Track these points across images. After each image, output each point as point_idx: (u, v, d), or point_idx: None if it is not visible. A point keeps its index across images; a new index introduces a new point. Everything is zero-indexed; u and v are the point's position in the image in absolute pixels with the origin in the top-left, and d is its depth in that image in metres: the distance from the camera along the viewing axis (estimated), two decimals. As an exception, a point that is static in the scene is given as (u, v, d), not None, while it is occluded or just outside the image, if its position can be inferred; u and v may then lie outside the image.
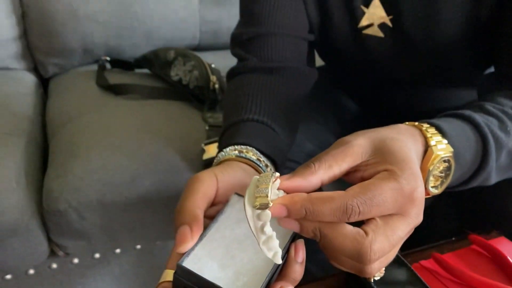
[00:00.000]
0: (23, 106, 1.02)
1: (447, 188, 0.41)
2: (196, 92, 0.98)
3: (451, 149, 0.39)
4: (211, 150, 0.81)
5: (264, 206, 0.33)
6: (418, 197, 0.33)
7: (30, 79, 1.15)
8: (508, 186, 0.51)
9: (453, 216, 0.68)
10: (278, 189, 0.34)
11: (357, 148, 0.35)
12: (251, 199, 0.34)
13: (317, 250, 0.38)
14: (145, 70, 1.13)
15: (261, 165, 0.48)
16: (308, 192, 0.33)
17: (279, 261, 0.33)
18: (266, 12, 0.67)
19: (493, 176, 0.44)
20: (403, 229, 0.33)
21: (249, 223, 0.33)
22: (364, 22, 0.65)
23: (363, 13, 0.64)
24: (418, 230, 0.36)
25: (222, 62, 1.08)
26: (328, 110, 0.78)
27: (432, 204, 0.69)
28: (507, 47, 0.55)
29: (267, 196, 0.33)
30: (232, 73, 0.68)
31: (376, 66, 0.69)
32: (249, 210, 0.33)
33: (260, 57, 0.66)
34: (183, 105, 0.98)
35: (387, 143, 0.35)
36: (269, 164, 0.49)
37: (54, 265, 0.83)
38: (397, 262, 0.44)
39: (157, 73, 1.08)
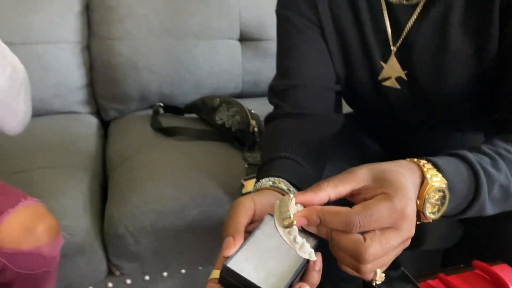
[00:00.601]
0: (87, 145, 1.17)
1: (445, 215, 0.49)
2: (237, 135, 1.10)
3: (445, 181, 0.48)
4: (249, 185, 0.91)
5: (290, 225, 0.44)
6: (409, 214, 0.42)
7: (93, 121, 1.32)
8: (509, 216, 0.59)
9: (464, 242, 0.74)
10: (296, 203, 0.44)
11: (359, 175, 0.45)
12: (279, 221, 0.45)
13: (330, 270, 0.47)
14: (193, 115, 1.27)
15: (290, 193, 0.59)
16: (318, 205, 0.44)
17: (314, 258, 0.44)
18: (297, 67, 0.78)
19: (487, 207, 0.52)
20: (395, 239, 0.42)
21: (284, 239, 0.44)
22: (383, 75, 0.75)
23: (382, 67, 0.75)
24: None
25: (261, 107, 1.20)
26: (354, 151, 0.87)
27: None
28: (505, 95, 0.63)
29: (290, 217, 0.44)
30: (269, 119, 0.80)
31: (395, 113, 0.79)
32: (280, 229, 0.45)
33: (293, 105, 0.78)
34: (225, 146, 1.10)
35: (385, 173, 0.45)
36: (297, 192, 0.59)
37: (110, 284, 0.94)
38: (405, 279, 0.52)
39: (204, 118, 1.21)
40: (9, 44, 1.20)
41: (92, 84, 1.32)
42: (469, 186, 0.50)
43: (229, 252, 0.45)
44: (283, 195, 0.58)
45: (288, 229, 0.44)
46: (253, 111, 1.14)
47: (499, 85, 0.66)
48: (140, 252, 0.86)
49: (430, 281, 0.54)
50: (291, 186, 0.60)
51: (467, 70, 0.68)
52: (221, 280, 0.45)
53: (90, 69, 1.30)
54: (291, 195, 0.45)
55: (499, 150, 0.55)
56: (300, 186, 0.61)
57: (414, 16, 0.70)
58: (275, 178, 0.60)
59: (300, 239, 0.44)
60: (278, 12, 0.82)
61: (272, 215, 0.50)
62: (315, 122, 0.76)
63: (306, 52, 0.78)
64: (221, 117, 1.15)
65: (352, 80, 0.79)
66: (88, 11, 1.28)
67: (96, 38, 1.27)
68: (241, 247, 0.46)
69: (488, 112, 0.71)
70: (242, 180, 0.92)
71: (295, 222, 0.44)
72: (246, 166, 0.98)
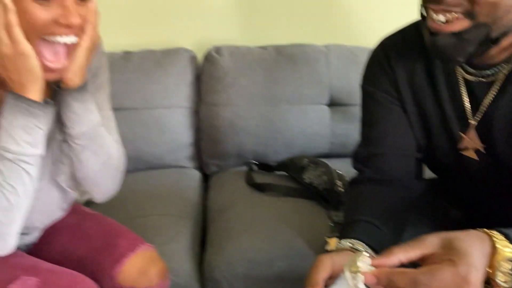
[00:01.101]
0: (191, 196, 1.34)
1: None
2: (324, 194, 1.19)
3: None
4: (333, 243, 0.98)
5: (356, 271, 0.53)
6: (471, 281, 0.48)
7: (197, 175, 1.50)
8: None
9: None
10: (371, 265, 0.52)
11: (430, 242, 0.52)
12: (348, 267, 0.54)
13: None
14: (283, 173, 1.40)
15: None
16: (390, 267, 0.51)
17: None
18: (380, 137, 0.87)
19: None
20: None
21: (349, 283, 0.53)
22: (461, 145, 0.81)
23: (461, 137, 0.80)
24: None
25: (348, 168, 1.28)
26: (435, 215, 0.91)
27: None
28: None
29: (357, 265, 0.53)
30: (352, 183, 0.89)
31: (474, 180, 0.83)
32: (347, 274, 0.54)
33: (375, 171, 0.86)
34: (312, 204, 1.19)
35: (454, 241, 0.51)
36: (374, 255, 0.67)
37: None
38: None
39: (293, 176, 1.33)
40: (133, 108, 1.46)
41: (198, 143, 1.51)
42: None
43: None
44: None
45: (353, 276, 0.52)
46: (339, 172, 1.23)
47: None
48: (232, 296, 0.97)
49: None
50: (368, 249, 0.68)
51: None
52: None
53: (197, 130, 1.50)
54: (366, 253, 0.54)
55: None
56: (377, 248, 0.69)
57: (493, 93, 0.76)
58: (354, 240, 0.69)
59: (362, 286, 0.51)
60: (363, 88, 0.92)
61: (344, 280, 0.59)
62: (395, 188, 0.83)
63: (388, 123, 0.86)
64: (309, 176, 1.26)
65: (432, 149, 0.85)
66: (198, 81, 1.50)
67: (204, 104, 1.48)
68: None
69: None
70: (326, 238, 0.99)
71: (360, 270, 0.52)
72: (331, 224, 1.06)
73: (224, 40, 1.58)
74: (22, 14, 0.64)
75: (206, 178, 1.54)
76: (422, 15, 0.73)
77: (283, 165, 1.39)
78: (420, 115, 0.84)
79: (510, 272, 0.53)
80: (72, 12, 0.66)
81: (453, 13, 0.65)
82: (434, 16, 0.67)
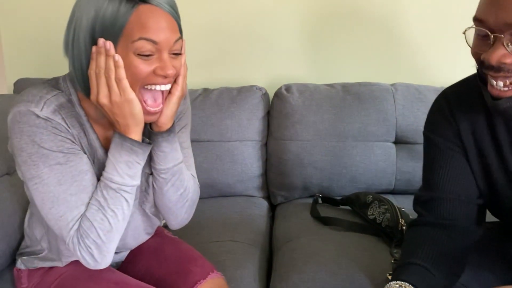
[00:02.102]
0: (259, 224, 1.43)
1: None
2: (387, 231, 1.23)
3: None
4: (394, 280, 1.02)
5: None
6: None
7: (264, 204, 1.59)
8: None
9: None
10: None
11: None
12: None
13: None
14: (348, 207, 1.45)
15: None
16: None
17: None
18: (441, 182, 0.91)
19: None
20: None
21: None
22: (523, 191, 0.83)
23: (523, 184, 0.83)
24: None
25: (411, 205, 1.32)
26: (496, 259, 0.92)
27: None
28: None
29: None
30: (411, 225, 0.93)
31: None
32: None
33: (435, 215, 0.90)
34: (375, 240, 1.23)
35: None
36: None
37: None
38: None
39: (357, 211, 1.38)
40: (210, 141, 1.58)
41: (266, 174, 1.61)
42: None
43: None
44: None
45: None
46: (403, 209, 1.26)
47: None
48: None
49: None
50: None
51: None
52: None
53: (265, 161, 1.61)
54: None
55: None
56: None
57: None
58: (403, 282, 0.74)
59: None
60: (426, 135, 0.97)
61: None
62: (454, 233, 0.87)
63: (449, 170, 0.90)
64: (372, 212, 1.30)
65: (494, 194, 0.88)
66: (268, 117, 1.61)
67: (273, 138, 1.58)
68: None
69: None
70: (388, 275, 1.03)
71: None
72: (392, 261, 1.10)
73: (294, 78, 1.69)
74: (128, 67, 0.77)
75: (273, 207, 1.63)
76: (480, 77, 0.78)
77: (347, 200, 1.44)
78: (482, 164, 0.88)
79: None
80: (168, 65, 0.78)
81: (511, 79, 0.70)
82: (494, 82, 0.72)
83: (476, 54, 0.76)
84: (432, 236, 0.86)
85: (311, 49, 1.73)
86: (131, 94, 0.78)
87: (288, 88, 1.60)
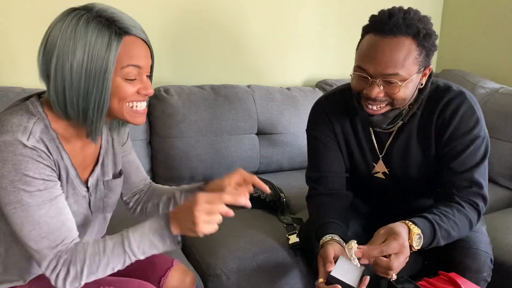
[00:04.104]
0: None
1: (422, 247, 1.05)
2: (270, 204, 1.62)
3: (420, 230, 1.04)
4: (292, 238, 1.42)
5: (351, 248, 0.98)
6: (405, 245, 1.00)
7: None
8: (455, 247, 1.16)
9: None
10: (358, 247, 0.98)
11: (382, 233, 1.02)
12: (348, 247, 0.99)
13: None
14: (231, 189, 1.77)
15: (341, 242, 1.13)
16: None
17: (359, 265, 0.98)
18: (324, 165, 1.33)
19: (441, 240, 1.09)
20: (402, 257, 0.99)
21: (349, 256, 0.98)
22: (374, 170, 1.33)
23: (374, 166, 1.32)
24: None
25: (273, 181, 1.74)
26: (358, 213, 1.42)
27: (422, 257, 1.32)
28: (440, 181, 1.22)
29: (352, 247, 0.98)
30: (310, 196, 1.34)
31: (380, 191, 1.35)
32: (347, 251, 0.99)
33: (324, 187, 1.31)
34: (263, 212, 1.60)
35: (392, 229, 1.02)
36: (343, 242, 1.13)
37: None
38: (410, 282, 1.05)
39: (241, 192, 1.72)
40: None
41: (152, 169, 1.79)
42: (431, 231, 1.08)
43: (330, 268, 0.98)
44: (340, 244, 1.12)
45: (349, 250, 0.98)
46: (279, 187, 1.67)
47: (437, 175, 1.25)
48: (229, 285, 1.33)
49: (419, 282, 1.08)
50: (340, 239, 1.14)
51: (420, 166, 1.26)
52: (327, 282, 0.97)
53: (151, 157, 1.78)
54: (355, 241, 0.99)
55: (441, 211, 1.13)
56: (344, 238, 1.15)
57: (391, 138, 1.28)
58: (332, 235, 1.14)
59: (354, 256, 0.98)
60: (310, 133, 1.37)
61: (343, 257, 1.03)
62: (339, 197, 1.30)
63: (329, 156, 1.33)
64: (256, 191, 1.66)
65: (355, 172, 1.35)
66: (149, 117, 1.77)
67: (158, 136, 1.76)
68: (335, 267, 0.99)
69: (432, 189, 1.29)
70: (287, 235, 1.43)
71: (353, 247, 0.98)
72: (285, 225, 1.50)
73: (165, 81, 1.89)
74: (117, 89, 0.86)
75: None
76: (357, 101, 1.20)
77: (230, 184, 1.77)
78: (348, 152, 1.33)
79: (418, 241, 1.05)
80: (149, 85, 0.91)
81: (381, 104, 1.15)
82: (370, 106, 1.15)
83: (357, 89, 1.16)
84: (328, 202, 1.27)
85: (176, 53, 1.95)
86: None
87: (166, 90, 1.79)
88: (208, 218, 0.84)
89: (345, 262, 1.01)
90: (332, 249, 1.05)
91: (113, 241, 0.86)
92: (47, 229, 0.85)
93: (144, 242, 0.86)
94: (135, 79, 0.89)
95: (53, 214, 0.85)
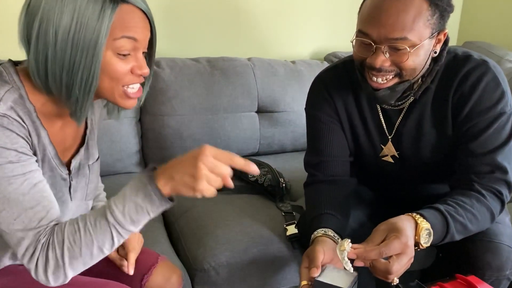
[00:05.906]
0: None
1: (432, 244, 0.90)
2: (268, 189, 1.48)
3: (429, 225, 0.88)
4: (290, 229, 1.28)
5: (344, 249, 0.82)
6: (409, 245, 0.83)
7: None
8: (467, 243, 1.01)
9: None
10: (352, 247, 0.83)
11: (381, 230, 0.86)
12: (339, 248, 0.83)
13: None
14: (227, 172, 1.63)
15: (335, 238, 0.98)
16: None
17: (352, 270, 0.82)
18: (325, 148, 1.17)
19: (455, 236, 0.93)
20: (405, 259, 0.83)
21: (341, 259, 0.83)
22: (382, 153, 1.17)
23: (382, 148, 1.16)
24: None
25: (275, 164, 1.60)
26: (362, 202, 1.27)
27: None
28: (458, 165, 1.05)
29: (345, 246, 0.82)
30: (308, 184, 1.19)
31: (388, 176, 1.19)
32: (339, 252, 0.83)
33: (324, 174, 1.17)
34: (260, 198, 1.47)
35: (394, 224, 0.85)
36: (339, 237, 0.99)
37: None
38: (419, 286, 0.91)
39: (238, 175, 1.58)
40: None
41: (143, 150, 1.66)
42: (443, 225, 0.92)
43: (315, 273, 0.85)
44: (333, 240, 0.97)
45: (341, 252, 0.83)
46: (278, 171, 1.52)
47: (453, 159, 1.08)
48: (219, 280, 1.20)
49: (432, 287, 0.93)
50: (336, 234, 0.99)
51: (434, 149, 1.10)
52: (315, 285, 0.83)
53: (141, 137, 1.64)
54: (349, 239, 0.84)
55: (457, 201, 0.96)
56: (340, 232, 1.00)
57: (401, 116, 1.12)
58: (325, 229, 0.99)
59: (347, 259, 0.83)
60: (309, 112, 1.21)
61: (333, 267, 0.89)
62: (339, 185, 1.15)
63: (330, 138, 1.17)
64: (252, 175, 1.52)
65: (361, 156, 1.20)
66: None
67: (148, 114, 1.62)
68: (321, 270, 0.85)
69: (447, 175, 1.13)
70: (285, 225, 1.29)
71: (346, 248, 0.82)
72: (283, 214, 1.36)
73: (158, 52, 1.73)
74: (106, 67, 0.75)
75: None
76: (360, 73, 1.03)
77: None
78: (352, 133, 1.17)
79: (427, 237, 0.89)
80: (144, 64, 0.79)
81: (388, 76, 0.98)
82: (375, 78, 0.98)
83: (359, 58, 1.00)
84: (327, 190, 1.13)
85: (169, 21, 1.79)
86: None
87: (157, 63, 1.64)
88: (210, 175, 0.71)
89: (335, 269, 0.87)
90: (322, 251, 0.91)
91: (95, 214, 0.74)
92: (20, 208, 0.74)
93: (128, 206, 0.71)
94: (128, 55, 0.77)
95: (25, 191, 0.74)
